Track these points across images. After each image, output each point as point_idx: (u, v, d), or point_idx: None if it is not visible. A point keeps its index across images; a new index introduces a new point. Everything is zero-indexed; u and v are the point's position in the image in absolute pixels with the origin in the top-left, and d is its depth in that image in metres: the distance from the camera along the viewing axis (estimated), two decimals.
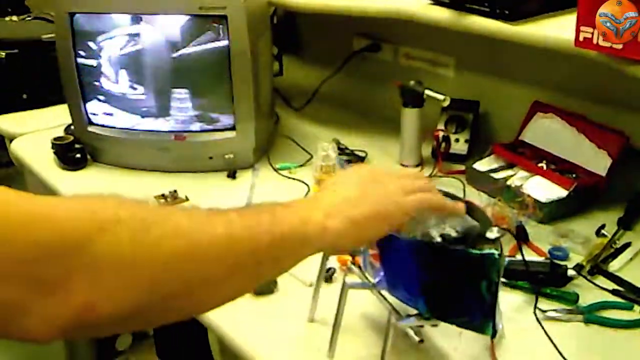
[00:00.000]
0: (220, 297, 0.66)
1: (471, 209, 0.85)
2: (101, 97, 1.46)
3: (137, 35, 1.39)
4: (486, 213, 0.88)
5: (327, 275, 1.08)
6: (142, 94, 1.44)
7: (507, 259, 1.09)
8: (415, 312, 0.83)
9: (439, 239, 0.79)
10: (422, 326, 0.85)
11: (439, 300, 0.80)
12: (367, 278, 0.91)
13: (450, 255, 0.77)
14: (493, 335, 0.80)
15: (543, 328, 0.96)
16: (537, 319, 0.98)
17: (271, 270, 0.71)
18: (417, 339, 0.83)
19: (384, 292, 0.89)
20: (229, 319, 1.00)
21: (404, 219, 0.77)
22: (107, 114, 1.47)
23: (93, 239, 0.54)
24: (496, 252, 0.75)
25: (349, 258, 1.11)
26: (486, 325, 0.78)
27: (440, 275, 0.78)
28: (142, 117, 1.46)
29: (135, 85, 1.44)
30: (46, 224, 0.53)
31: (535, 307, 1.00)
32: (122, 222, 0.57)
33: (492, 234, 0.81)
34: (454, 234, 0.80)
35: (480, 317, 0.78)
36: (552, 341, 0.93)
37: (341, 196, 0.76)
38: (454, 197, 0.89)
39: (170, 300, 0.60)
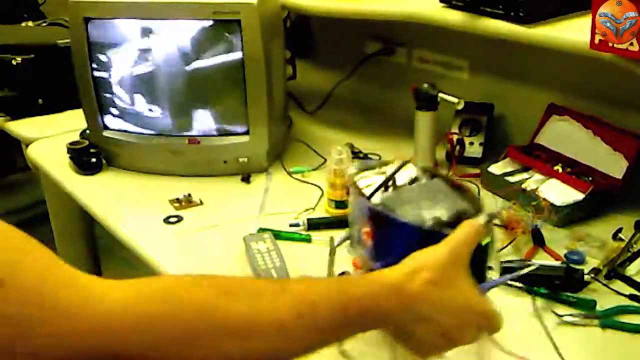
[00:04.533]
0: None
1: (463, 191, 0.84)
2: (115, 112, 1.47)
3: (149, 50, 1.40)
4: (477, 196, 0.86)
5: None
6: (160, 113, 1.45)
7: (521, 262, 1.09)
8: None
9: (430, 222, 0.78)
10: None
11: None
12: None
13: (440, 239, 0.76)
14: None
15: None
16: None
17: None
18: None
19: None
20: None
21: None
22: (122, 131, 1.49)
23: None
24: (488, 240, 0.75)
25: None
26: None
27: None
28: (158, 135, 1.47)
29: (151, 105, 1.45)
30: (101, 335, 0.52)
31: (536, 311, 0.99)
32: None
33: (482, 218, 0.78)
34: (445, 217, 0.79)
35: None
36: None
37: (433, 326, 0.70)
38: (442, 176, 0.88)
39: None
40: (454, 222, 0.79)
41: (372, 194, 0.85)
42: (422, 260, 0.70)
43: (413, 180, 0.88)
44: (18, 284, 0.49)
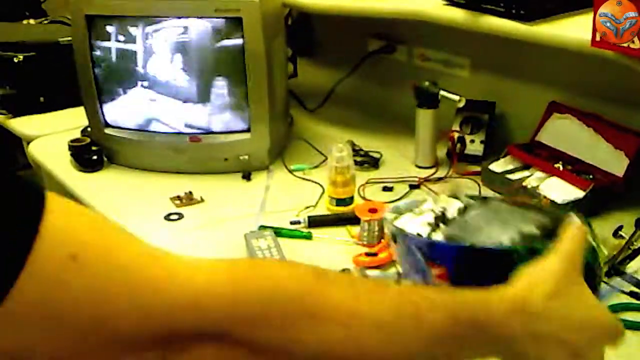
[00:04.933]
0: None
1: (526, 206, 0.79)
2: (145, 84, 1.45)
3: (185, 27, 1.40)
4: (545, 207, 0.80)
5: None
6: (186, 80, 1.44)
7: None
8: None
9: (521, 241, 0.71)
10: None
11: None
12: None
13: (537, 256, 0.67)
14: None
15: None
16: None
17: None
18: None
19: None
20: None
21: None
22: (152, 100, 1.47)
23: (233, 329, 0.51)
24: (593, 242, 0.69)
25: (365, 259, 1.12)
26: None
27: None
28: (184, 102, 1.46)
29: (181, 73, 1.44)
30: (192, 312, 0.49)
31: None
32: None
33: (577, 219, 0.71)
34: (535, 231, 0.71)
35: None
36: None
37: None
38: (496, 198, 0.84)
39: None
40: (546, 235, 0.72)
41: (430, 233, 0.77)
42: (535, 274, 0.61)
43: (463, 210, 0.81)
44: (94, 259, 0.46)
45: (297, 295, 0.53)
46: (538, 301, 0.59)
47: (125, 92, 1.47)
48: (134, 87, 1.46)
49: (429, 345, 0.56)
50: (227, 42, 1.39)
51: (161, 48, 1.43)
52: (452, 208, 0.82)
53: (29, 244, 0.43)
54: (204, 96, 1.44)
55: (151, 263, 0.49)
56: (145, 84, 1.46)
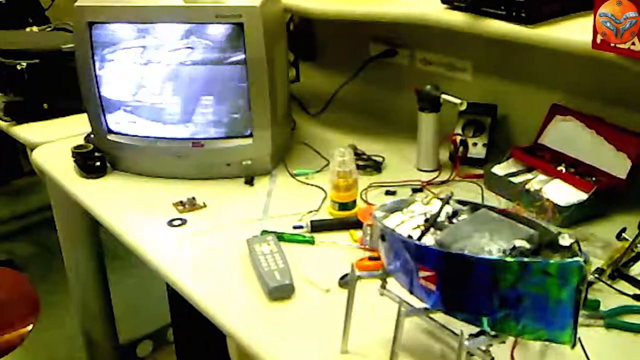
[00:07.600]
0: None
1: (516, 217, 0.80)
2: (127, 108, 1.47)
3: (144, 47, 1.40)
4: (534, 219, 0.82)
5: (343, 282, 1.08)
6: (168, 102, 1.45)
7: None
8: (477, 330, 0.76)
9: (497, 255, 0.74)
10: (491, 345, 0.77)
11: (512, 316, 0.74)
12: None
13: (528, 270, 0.71)
14: (573, 345, 0.75)
15: None
16: None
17: None
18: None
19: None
20: (246, 325, 1.01)
21: None
22: (131, 122, 1.48)
23: None
24: (581, 259, 0.72)
25: (368, 263, 1.12)
26: (566, 334, 0.74)
27: (517, 291, 0.72)
28: (164, 124, 1.47)
29: (160, 94, 1.44)
30: None
31: None
32: None
33: (566, 240, 0.75)
34: (527, 246, 0.74)
35: (559, 326, 0.74)
36: None
37: None
38: (486, 206, 0.84)
39: None
40: (536, 249, 0.76)
41: (420, 236, 0.80)
42: None
43: (452, 215, 0.85)
44: None
45: None
46: None
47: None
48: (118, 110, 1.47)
49: None
50: (232, 58, 1.39)
51: (161, 74, 1.43)
52: (442, 212, 0.84)
53: None
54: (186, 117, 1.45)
55: None
56: (127, 108, 1.46)
